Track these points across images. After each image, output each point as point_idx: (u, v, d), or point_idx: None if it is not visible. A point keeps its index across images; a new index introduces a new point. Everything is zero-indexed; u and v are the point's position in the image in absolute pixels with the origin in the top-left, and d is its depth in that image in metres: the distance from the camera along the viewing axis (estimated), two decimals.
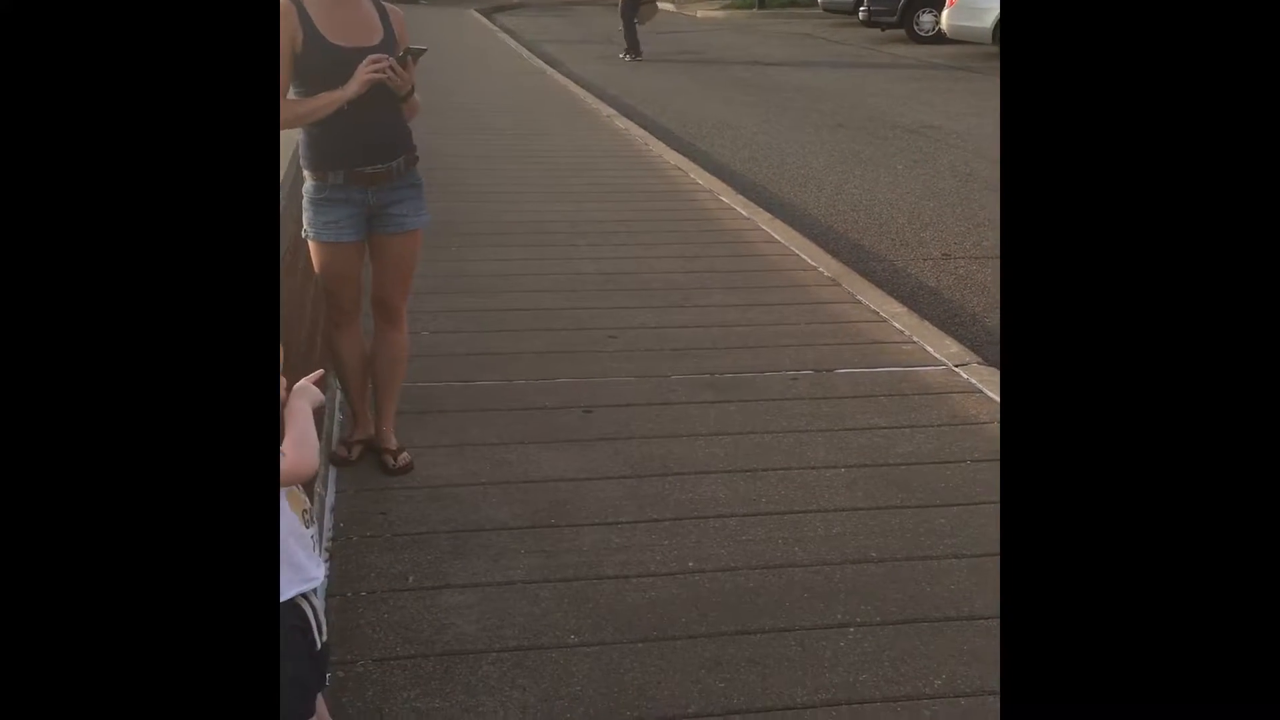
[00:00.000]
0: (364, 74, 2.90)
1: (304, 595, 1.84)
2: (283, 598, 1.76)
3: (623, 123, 9.97)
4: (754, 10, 23.78)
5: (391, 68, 2.92)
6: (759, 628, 2.59)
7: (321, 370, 2.06)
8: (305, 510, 1.83)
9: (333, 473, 3.31)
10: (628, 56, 15.40)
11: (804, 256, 5.67)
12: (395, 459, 3.32)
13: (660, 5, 26.66)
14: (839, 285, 5.19)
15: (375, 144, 3.06)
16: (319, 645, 1.88)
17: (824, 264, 5.52)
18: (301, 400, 1.84)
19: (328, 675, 2.08)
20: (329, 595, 2.66)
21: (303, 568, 1.80)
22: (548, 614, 2.62)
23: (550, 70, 14.04)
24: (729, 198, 6.98)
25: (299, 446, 1.77)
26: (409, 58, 2.96)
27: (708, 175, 7.68)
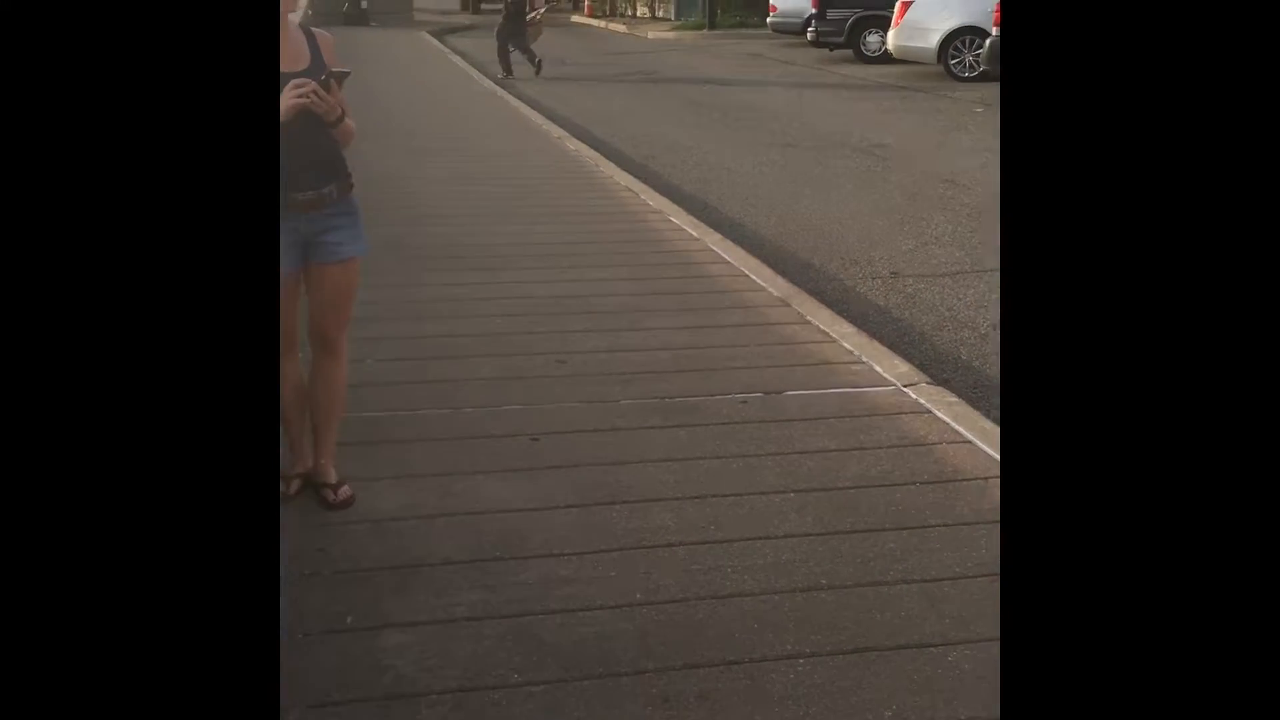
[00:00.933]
0: (287, 100, 2.84)
1: None
2: None
3: (573, 144, 9.94)
4: (705, 31, 23.93)
5: (315, 92, 2.87)
6: (708, 661, 2.54)
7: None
8: None
9: None
10: (535, 72, 15.97)
11: (754, 277, 5.66)
12: (335, 493, 3.24)
13: (610, 27, 26.82)
14: (788, 305, 5.18)
15: (305, 170, 3.00)
16: None
17: (773, 284, 5.51)
18: None
19: None
20: None
21: None
22: (490, 652, 2.55)
23: (501, 92, 13.99)
24: (679, 219, 6.96)
25: None
26: (332, 81, 2.90)
27: (658, 196, 7.66)
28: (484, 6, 28.97)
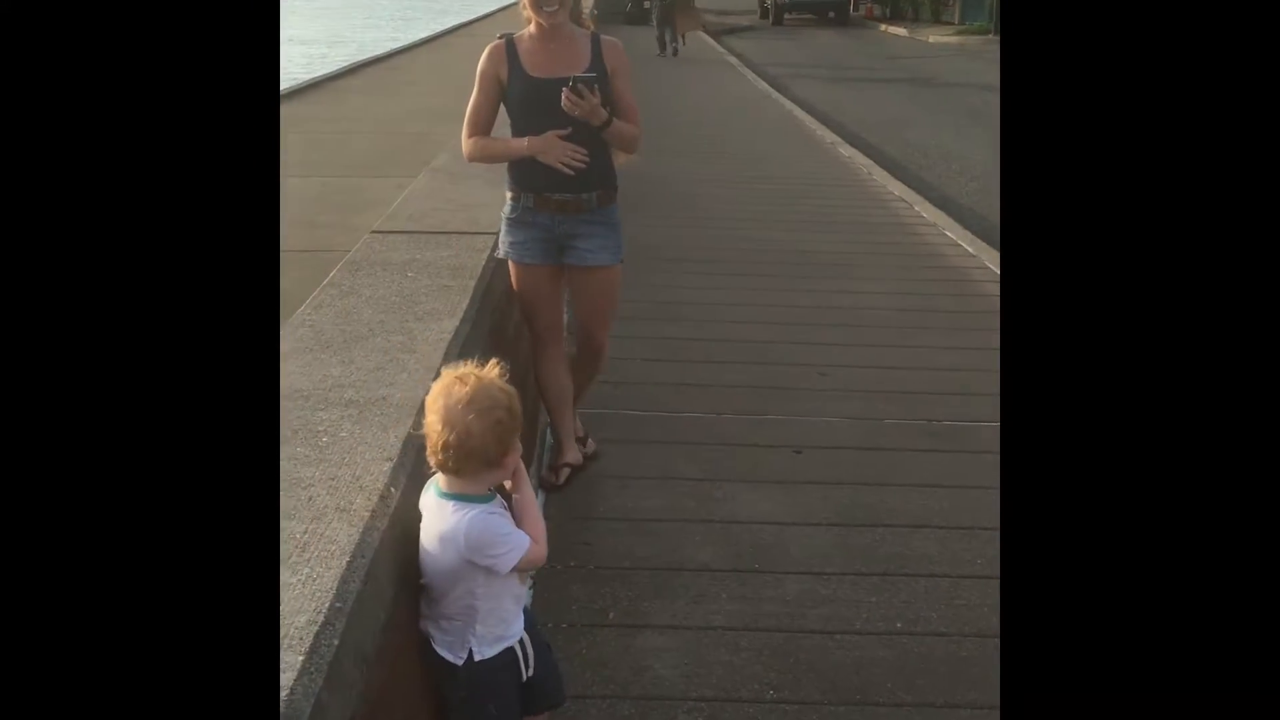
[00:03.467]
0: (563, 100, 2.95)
1: None
2: (484, 656, 1.79)
3: (847, 150, 9.81)
4: (990, 36, 23.02)
5: (569, 98, 2.93)
6: (969, 702, 2.44)
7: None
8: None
9: (540, 498, 3.35)
10: (668, 52, 18.16)
11: None
12: (584, 445, 3.50)
13: (890, 29, 26.29)
14: None
15: (567, 173, 3.05)
16: (525, 676, 1.87)
17: None
18: (527, 488, 1.89)
19: (562, 695, 2.06)
20: None
21: (507, 623, 1.82)
22: (747, 665, 2.55)
23: (776, 94, 13.99)
24: (954, 233, 6.73)
25: (539, 541, 1.84)
26: (581, 86, 2.94)
27: (932, 208, 7.44)
28: (788, 18, 28.65)
